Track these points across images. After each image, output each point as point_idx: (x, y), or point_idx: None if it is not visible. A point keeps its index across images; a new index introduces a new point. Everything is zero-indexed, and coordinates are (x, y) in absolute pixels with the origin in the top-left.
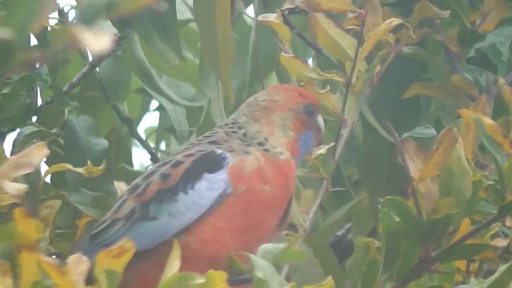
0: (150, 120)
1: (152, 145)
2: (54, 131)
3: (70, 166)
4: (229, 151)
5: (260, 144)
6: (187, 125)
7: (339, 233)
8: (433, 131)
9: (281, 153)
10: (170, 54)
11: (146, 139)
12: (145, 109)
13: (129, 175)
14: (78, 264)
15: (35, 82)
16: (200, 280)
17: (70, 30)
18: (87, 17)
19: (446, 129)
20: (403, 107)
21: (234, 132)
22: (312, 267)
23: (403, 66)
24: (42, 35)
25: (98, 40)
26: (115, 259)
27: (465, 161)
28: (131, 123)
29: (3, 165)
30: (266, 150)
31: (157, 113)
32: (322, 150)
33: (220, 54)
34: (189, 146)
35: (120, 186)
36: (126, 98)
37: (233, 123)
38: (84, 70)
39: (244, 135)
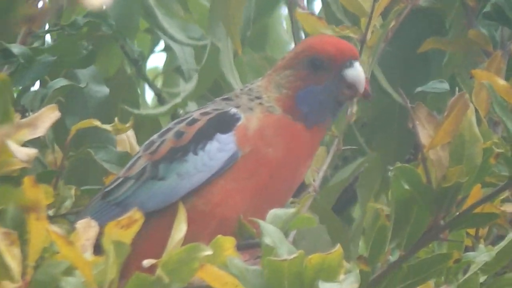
0: (156, 61)
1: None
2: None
3: (98, 123)
4: (236, 107)
5: (257, 97)
6: (195, 64)
7: None
8: (446, 86)
9: (273, 107)
10: (175, 5)
11: (153, 80)
12: (153, 50)
13: (135, 116)
14: (87, 229)
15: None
16: (207, 251)
17: None
18: None
19: (457, 95)
20: (412, 64)
21: (246, 87)
22: (319, 234)
23: (415, 21)
24: None
25: None
26: (123, 229)
27: (476, 128)
28: (139, 64)
29: (13, 128)
30: (261, 104)
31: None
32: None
33: (229, 7)
34: (209, 103)
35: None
36: (136, 37)
37: (253, 81)
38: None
39: (250, 89)
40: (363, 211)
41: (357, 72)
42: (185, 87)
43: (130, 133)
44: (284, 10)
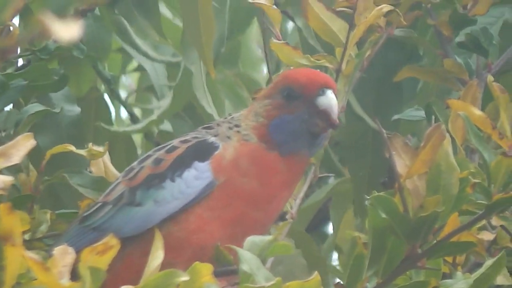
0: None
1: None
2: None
3: (73, 148)
4: (214, 136)
5: (236, 125)
6: (167, 82)
7: None
8: (422, 113)
9: (249, 135)
10: (150, 30)
11: (126, 99)
12: (125, 69)
13: (108, 135)
14: (64, 255)
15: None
16: (184, 277)
17: (40, 18)
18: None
19: (434, 126)
20: (385, 91)
21: (230, 114)
22: (296, 259)
23: (390, 50)
24: (26, 17)
25: (67, 28)
26: (99, 255)
27: (452, 158)
28: (111, 83)
29: None
30: (239, 132)
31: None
32: None
33: (201, 32)
34: (192, 132)
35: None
36: (107, 57)
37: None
38: None
39: (232, 118)
40: (335, 232)
41: (328, 99)
42: (159, 104)
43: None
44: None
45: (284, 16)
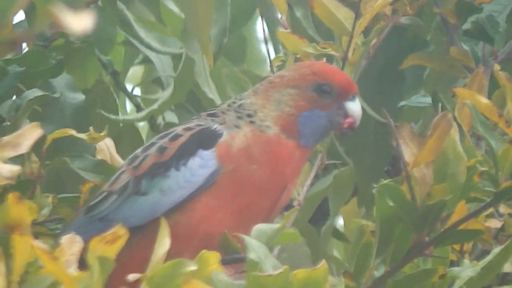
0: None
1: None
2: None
3: (73, 132)
4: (220, 124)
5: (249, 116)
6: (173, 73)
7: None
8: (429, 100)
9: (268, 126)
10: (148, 16)
11: (132, 90)
12: (130, 62)
13: (114, 127)
14: (71, 244)
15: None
16: (192, 267)
17: (51, 10)
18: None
19: (441, 114)
20: (389, 79)
21: (234, 103)
22: (299, 247)
23: (396, 38)
24: (31, 12)
25: (79, 20)
26: (108, 245)
27: (459, 146)
28: (117, 75)
29: None
30: (252, 123)
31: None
32: None
33: (199, 19)
34: (193, 118)
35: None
36: (112, 50)
37: (240, 95)
38: None
39: (239, 106)
40: (333, 216)
41: (358, 106)
42: (162, 95)
43: (110, 143)
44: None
45: None
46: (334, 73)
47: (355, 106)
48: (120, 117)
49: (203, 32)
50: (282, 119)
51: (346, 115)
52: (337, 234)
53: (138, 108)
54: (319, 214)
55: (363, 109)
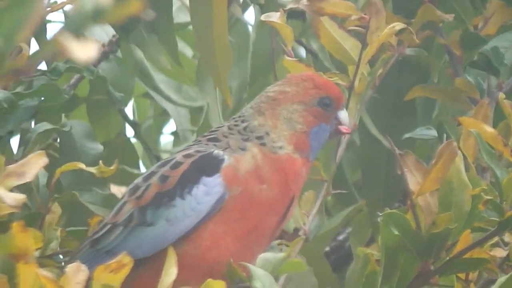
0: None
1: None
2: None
3: (82, 165)
4: (224, 149)
5: (259, 138)
6: (190, 126)
7: (341, 237)
8: (434, 133)
9: (281, 147)
10: (161, 57)
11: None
12: (154, 114)
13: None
14: (77, 273)
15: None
16: None
17: (57, 38)
18: (75, 26)
19: (446, 143)
20: (399, 111)
21: (236, 125)
22: (306, 276)
23: (402, 69)
24: (41, 38)
25: (84, 49)
26: (113, 273)
27: (464, 175)
28: (138, 127)
29: (1, 174)
30: (263, 145)
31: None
32: None
33: (217, 60)
34: (191, 144)
35: (121, 190)
36: (129, 102)
37: (239, 116)
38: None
39: (245, 128)
40: (356, 260)
41: (347, 114)
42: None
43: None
44: None
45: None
46: (331, 85)
47: (345, 114)
48: (141, 172)
49: (221, 71)
50: (295, 137)
51: (339, 123)
52: None
53: (158, 161)
54: (342, 257)
55: (375, 141)
